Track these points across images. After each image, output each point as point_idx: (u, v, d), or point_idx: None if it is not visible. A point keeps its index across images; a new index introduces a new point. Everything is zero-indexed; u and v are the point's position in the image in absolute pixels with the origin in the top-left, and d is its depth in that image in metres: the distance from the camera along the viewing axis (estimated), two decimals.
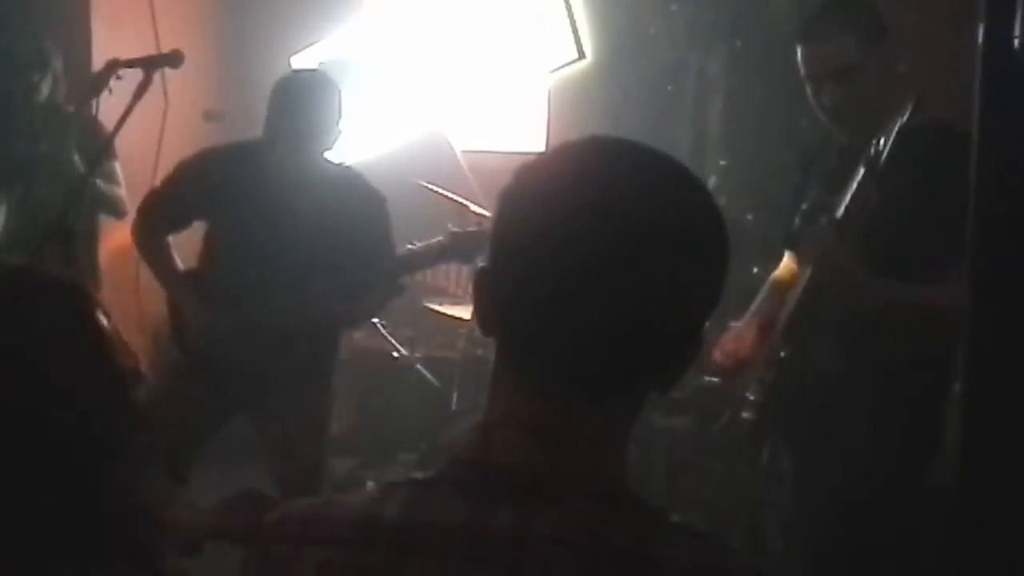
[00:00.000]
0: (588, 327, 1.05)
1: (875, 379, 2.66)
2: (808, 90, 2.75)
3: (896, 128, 2.44)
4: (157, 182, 3.77)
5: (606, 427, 1.08)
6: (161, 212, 3.42)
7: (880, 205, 2.52)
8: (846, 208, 2.56)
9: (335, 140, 3.33)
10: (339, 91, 3.32)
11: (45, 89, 4.25)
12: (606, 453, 1.08)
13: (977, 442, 1.19)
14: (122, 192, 4.37)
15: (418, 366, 4.80)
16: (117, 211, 4.36)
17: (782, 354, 2.79)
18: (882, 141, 2.46)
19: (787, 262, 3.03)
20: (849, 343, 2.69)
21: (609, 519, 1.03)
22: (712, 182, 4.41)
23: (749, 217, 4.18)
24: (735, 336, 2.93)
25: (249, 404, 3.41)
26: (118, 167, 4.38)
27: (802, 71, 2.74)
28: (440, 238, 3.47)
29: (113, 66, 3.29)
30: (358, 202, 3.37)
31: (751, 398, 2.90)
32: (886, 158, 2.46)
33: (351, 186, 3.39)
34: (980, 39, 1.07)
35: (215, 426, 3.43)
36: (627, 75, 4.75)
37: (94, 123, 3.46)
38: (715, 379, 3.50)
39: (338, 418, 5.20)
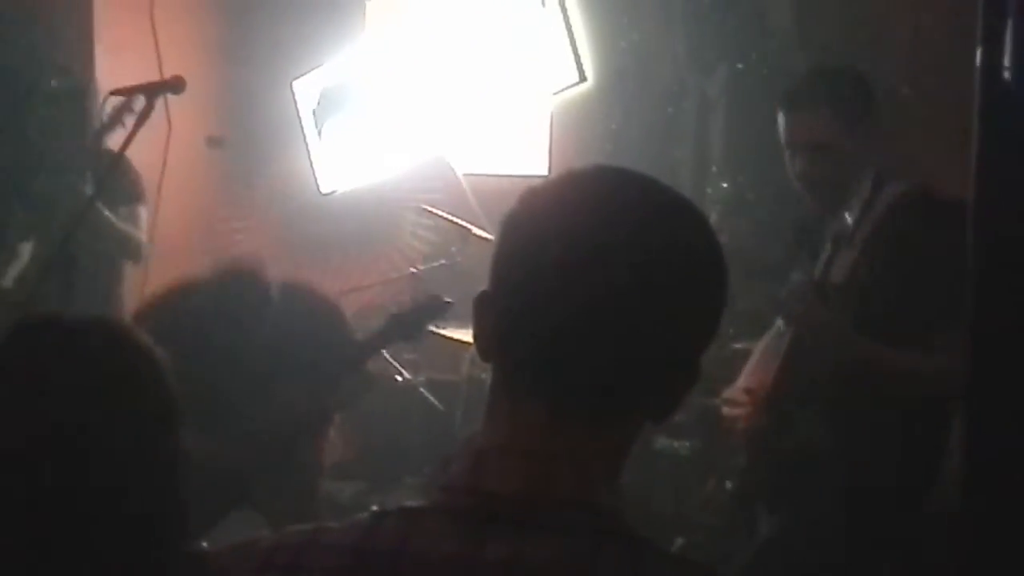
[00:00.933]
0: (588, 356, 1.05)
1: (858, 450, 2.62)
2: (786, 156, 2.74)
3: (861, 204, 2.43)
4: (161, 208, 3.80)
5: (601, 455, 1.08)
6: None
7: (862, 277, 2.50)
8: (821, 274, 2.55)
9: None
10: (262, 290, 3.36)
11: (74, 126, 4.28)
12: (600, 482, 1.07)
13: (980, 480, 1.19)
14: (142, 237, 4.37)
15: (421, 389, 4.79)
16: (132, 254, 4.35)
17: (765, 422, 2.76)
18: (847, 216, 2.44)
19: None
20: (831, 414, 2.66)
21: (601, 549, 1.02)
22: (715, 200, 4.41)
23: (750, 239, 4.18)
24: (738, 392, 2.89)
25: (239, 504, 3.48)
26: (144, 212, 4.39)
27: (781, 139, 2.74)
28: (379, 326, 3.51)
29: (127, 104, 3.31)
30: (306, 314, 3.42)
31: (733, 464, 2.88)
32: (869, 231, 2.45)
33: (298, 302, 3.44)
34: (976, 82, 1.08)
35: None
36: (629, 98, 4.76)
37: (114, 156, 3.48)
38: (718, 402, 3.50)
39: (341, 442, 5.19)
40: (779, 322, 3.00)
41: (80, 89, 4.40)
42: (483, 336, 1.12)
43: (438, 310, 3.51)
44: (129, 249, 4.34)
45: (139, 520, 1.38)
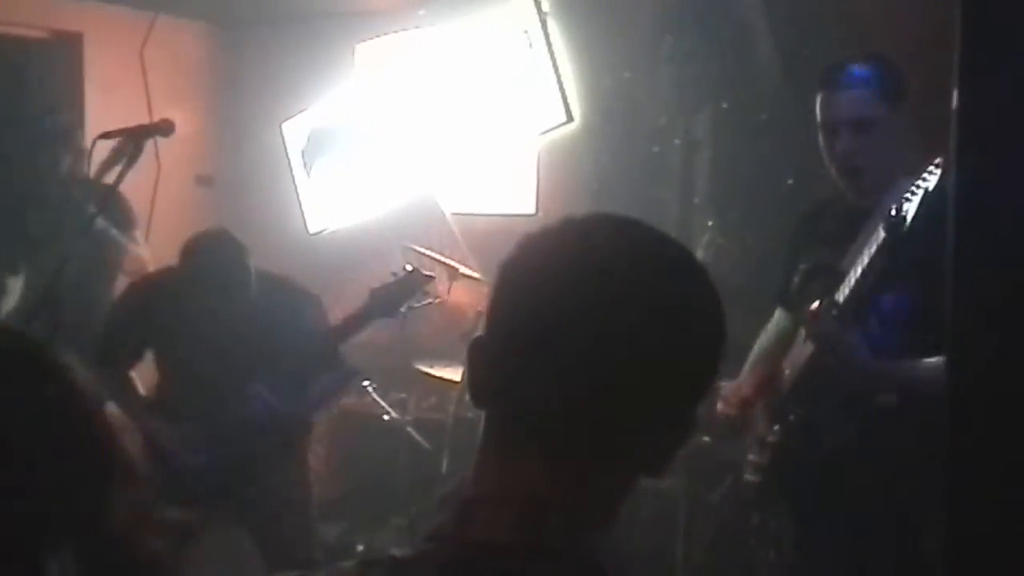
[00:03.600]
0: (582, 405, 1.04)
1: (882, 448, 2.61)
2: (821, 138, 2.72)
3: (922, 195, 2.36)
4: (150, 246, 3.78)
5: (593, 506, 1.08)
6: (111, 351, 3.58)
7: (901, 267, 2.46)
8: (856, 282, 2.51)
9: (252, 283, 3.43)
10: (245, 253, 3.42)
11: (66, 163, 4.34)
12: (589, 531, 1.06)
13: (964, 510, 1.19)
14: (147, 255, 4.44)
15: (408, 428, 4.78)
16: (139, 273, 4.42)
17: (791, 417, 2.76)
18: (904, 206, 2.38)
19: (779, 317, 3.02)
20: (856, 410, 2.65)
21: None
22: (700, 237, 4.44)
23: (735, 276, 4.20)
24: (735, 388, 2.92)
25: (228, 501, 3.50)
26: (140, 236, 4.50)
27: (819, 117, 2.72)
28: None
29: (127, 143, 3.32)
30: (286, 303, 3.52)
31: (753, 459, 2.88)
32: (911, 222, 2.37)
33: (278, 292, 3.54)
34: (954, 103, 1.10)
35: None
36: (615, 137, 4.80)
37: (113, 192, 3.50)
38: (706, 439, 3.50)
39: (328, 481, 5.18)
40: (778, 313, 3.00)
41: (69, 128, 4.44)
42: (476, 382, 1.11)
43: (417, 284, 3.51)
44: (142, 269, 4.41)
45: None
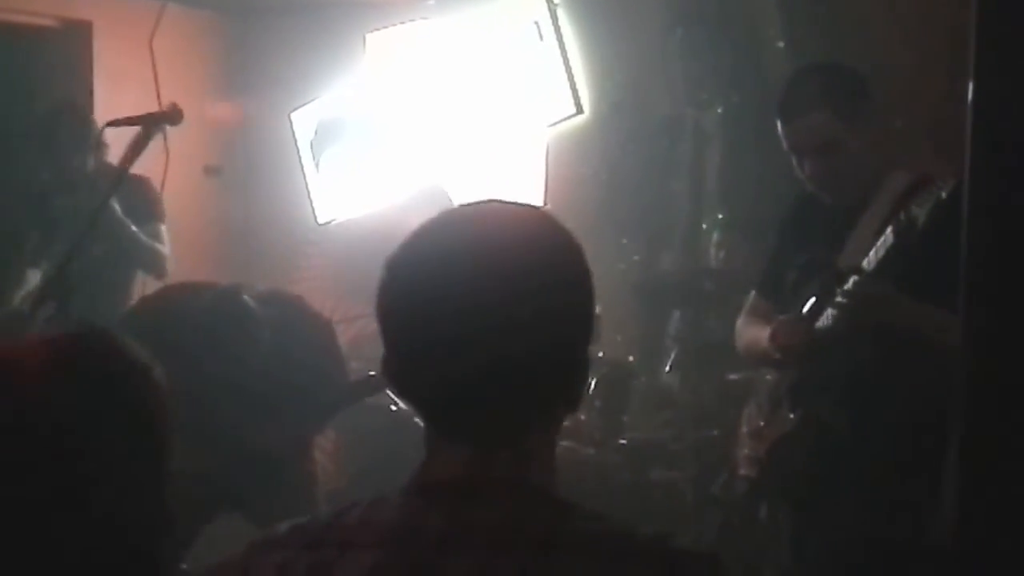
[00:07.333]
0: (468, 376, 1.17)
1: (880, 440, 2.61)
2: (793, 161, 2.73)
3: (934, 203, 2.36)
4: None
5: (525, 446, 1.21)
6: None
7: (908, 271, 2.46)
8: (876, 267, 2.50)
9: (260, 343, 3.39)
10: (253, 322, 3.38)
11: (79, 155, 4.28)
12: (528, 465, 1.20)
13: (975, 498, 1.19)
14: (166, 251, 4.39)
15: (414, 419, 4.77)
16: (157, 269, 4.37)
17: (791, 415, 2.75)
18: (914, 211, 2.38)
19: (757, 305, 2.99)
20: (855, 405, 2.64)
21: (529, 511, 1.16)
22: (712, 234, 4.44)
23: (745, 270, 4.19)
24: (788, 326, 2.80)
25: (233, 498, 3.51)
26: (164, 230, 4.41)
27: (784, 144, 2.72)
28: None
29: (150, 127, 3.29)
30: (299, 332, 3.50)
31: (748, 453, 2.88)
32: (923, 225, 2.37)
33: (291, 318, 3.51)
34: (970, 96, 1.09)
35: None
36: (625, 130, 4.79)
37: (137, 181, 3.46)
38: (715, 432, 3.48)
39: (334, 473, 5.19)
40: (753, 300, 2.98)
41: (81, 123, 4.41)
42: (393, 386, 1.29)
43: None
44: (156, 263, 4.37)
45: (121, 530, 1.38)
